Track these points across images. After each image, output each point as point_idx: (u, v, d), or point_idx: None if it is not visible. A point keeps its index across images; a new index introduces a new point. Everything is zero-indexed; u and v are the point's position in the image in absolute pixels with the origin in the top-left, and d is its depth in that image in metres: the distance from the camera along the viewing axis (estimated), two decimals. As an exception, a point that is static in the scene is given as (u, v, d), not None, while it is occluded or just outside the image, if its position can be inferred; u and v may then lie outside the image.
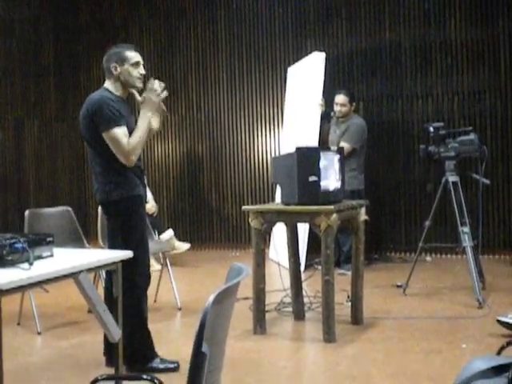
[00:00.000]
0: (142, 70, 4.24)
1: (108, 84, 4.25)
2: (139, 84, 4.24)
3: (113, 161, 4.11)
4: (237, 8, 9.45)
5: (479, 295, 5.59)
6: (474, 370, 2.22)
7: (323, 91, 7.66)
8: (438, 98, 8.38)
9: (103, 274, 5.54)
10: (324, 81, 7.64)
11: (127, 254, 3.40)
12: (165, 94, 4.24)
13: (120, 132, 4.03)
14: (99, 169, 4.22)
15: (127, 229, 4.19)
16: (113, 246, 4.20)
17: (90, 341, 4.93)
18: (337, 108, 7.47)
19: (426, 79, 8.43)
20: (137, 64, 4.23)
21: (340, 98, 7.47)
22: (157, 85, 4.20)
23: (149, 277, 4.47)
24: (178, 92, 9.79)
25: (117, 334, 3.24)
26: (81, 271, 3.00)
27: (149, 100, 4.18)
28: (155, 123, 4.47)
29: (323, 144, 7.53)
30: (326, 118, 7.66)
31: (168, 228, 8.05)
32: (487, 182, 6.31)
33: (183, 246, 8.02)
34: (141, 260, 4.20)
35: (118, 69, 4.20)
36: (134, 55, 4.24)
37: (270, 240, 8.35)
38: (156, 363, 4.23)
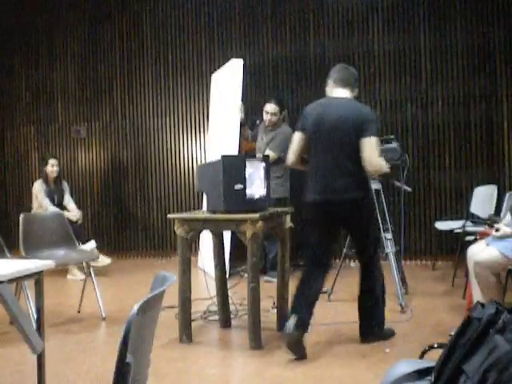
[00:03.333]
0: None
1: (349, 95, 4.79)
2: None
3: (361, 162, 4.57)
4: (162, 15, 9.41)
5: (402, 300, 5.70)
6: (397, 374, 2.26)
7: (247, 98, 7.67)
8: (361, 107, 8.50)
9: (25, 284, 5.41)
10: (246, 88, 7.66)
11: (48, 263, 3.33)
12: None
13: (376, 142, 4.57)
14: (353, 169, 4.58)
15: (373, 218, 4.95)
16: (367, 238, 4.85)
17: (11, 352, 4.80)
18: (267, 117, 7.46)
19: (349, 88, 8.55)
20: None
21: (271, 107, 7.46)
22: None
23: None
24: (103, 98, 9.66)
25: (39, 345, 3.16)
26: (1, 282, 2.92)
27: None
28: None
29: (245, 152, 7.58)
30: (244, 124, 7.67)
31: (90, 239, 7.92)
32: (409, 189, 6.45)
33: (105, 260, 7.90)
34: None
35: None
36: None
37: (198, 248, 8.33)
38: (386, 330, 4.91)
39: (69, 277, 7.89)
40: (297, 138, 4.79)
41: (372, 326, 4.85)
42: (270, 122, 7.46)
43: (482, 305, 2.08)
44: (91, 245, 7.74)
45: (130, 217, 9.64)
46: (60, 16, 9.87)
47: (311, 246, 4.81)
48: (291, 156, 4.84)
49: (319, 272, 4.74)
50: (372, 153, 4.49)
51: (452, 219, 7.56)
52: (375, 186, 6.09)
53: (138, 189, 9.58)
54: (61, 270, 7.65)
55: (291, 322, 4.46)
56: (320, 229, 4.77)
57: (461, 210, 7.90)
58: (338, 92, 4.77)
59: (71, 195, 8.30)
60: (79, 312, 6.05)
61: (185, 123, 9.37)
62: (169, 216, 5.16)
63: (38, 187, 8.01)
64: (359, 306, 4.89)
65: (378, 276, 4.88)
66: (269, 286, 6.37)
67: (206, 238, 7.11)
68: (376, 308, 4.86)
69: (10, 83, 10.18)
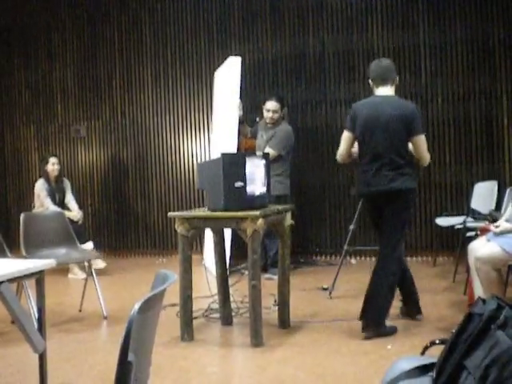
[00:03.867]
0: None
1: (392, 91, 5.07)
2: None
3: (409, 157, 4.99)
4: (161, 12, 9.40)
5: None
6: (399, 371, 2.26)
7: (246, 96, 7.65)
8: (361, 104, 8.51)
9: (26, 284, 5.41)
10: (245, 85, 7.64)
11: (49, 262, 3.33)
12: None
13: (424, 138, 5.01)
14: (402, 163, 4.90)
15: (404, 215, 5.02)
16: (394, 230, 5.01)
17: (12, 352, 4.80)
18: (269, 114, 7.45)
19: (349, 85, 8.56)
20: None
21: (272, 105, 7.45)
22: None
23: None
24: (102, 97, 9.66)
25: (40, 344, 3.16)
26: (2, 282, 2.92)
27: None
28: None
29: (245, 149, 7.58)
30: (243, 122, 7.67)
31: (88, 240, 7.90)
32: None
33: (98, 264, 7.83)
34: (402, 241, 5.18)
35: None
36: None
37: (203, 246, 8.35)
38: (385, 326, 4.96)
39: (70, 276, 7.89)
40: (346, 137, 5.05)
41: (372, 315, 4.93)
42: (271, 119, 7.46)
43: (483, 300, 2.08)
44: (89, 246, 7.73)
45: (130, 215, 9.64)
46: (59, 15, 9.85)
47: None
48: (343, 154, 5.10)
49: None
50: (425, 149, 4.99)
51: (453, 215, 7.56)
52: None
53: (138, 187, 9.57)
54: (61, 269, 7.65)
55: None
56: (371, 218, 5.29)
57: (461, 205, 7.90)
58: (379, 91, 5.07)
59: (72, 193, 8.29)
60: (80, 311, 6.05)
61: (185, 121, 9.37)
62: (169, 214, 5.15)
63: (40, 186, 8.01)
64: (365, 295, 4.99)
65: (388, 274, 4.97)
66: (270, 284, 6.37)
67: (209, 236, 7.12)
68: (379, 301, 4.93)
69: (10, 83, 10.17)
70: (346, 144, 5.04)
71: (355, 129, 4.97)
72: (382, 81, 5.03)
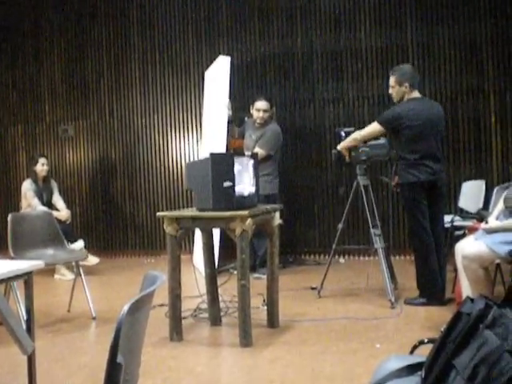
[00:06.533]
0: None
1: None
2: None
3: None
4: (149, 11, 9.38)
5: (391, 296, 5.72)
6: (388, 370, 2.26)
7: (235, 95, 7.65)
8: (349, 103, 8.54)
9: (14, 285, 5.39)
10: (233, 85, 7.65)
11: (38, 263, 3.32)
12: None
13: None
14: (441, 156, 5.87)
15: (408, 208, 5.92)
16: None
17: (1, 354, 4.78)
18: (259, 114, 7.45)
19: (337, 84, 8.58)
20: None
21: (262, 104, 7.45)
22: None
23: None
24: (90, 97, 9.63)
25: (29, 346, 3.15)
26: (-10, 283, 2.91)
27: None
28: None
29: (234, 149, 7.57)
30: (232, 122, 7.67)
31: (78, 239, 7.89)
32: (397, 184, 6.46)
33: (92, 260, 7.86)
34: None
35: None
36: None
37: (192, 246, 8.35)
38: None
39: (56, 276, 7.86)
40: (378, 129, 5.85)
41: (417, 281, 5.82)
42: (261, 119, 7.46)
43: (472, 300, 2.08)
44: (79, 244, 7.71)
45: (118, 215, 9.62)
46: (46, 14, 9.80)
47: None
48: (363, 139, 5.95)
49: None
50: None
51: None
52: (364, 181, 6.11)
53: (126, 187, 9.55)
54: (48, 270, 7.62)
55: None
56: (421, 203, 5.85)
57: (449, 204, 7.93)
58: (416, 93, 5.81)
59: (60, 193, 8.26)
60: (69, 312, 6.03)
61: (173, 121, 9.35)
62: (158, 214, 5.14)
63: (27, 186, 7.97)
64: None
65: (418, 254, 5.81)
66: (258, 283, 6.36)
67: (198, 236, 7.11)
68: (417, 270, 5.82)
69: (-2, 83, 10.12)
70: (373, 135, 5.92)
71: (399, 128, 5.68)
72: (416, 86, 5.79)
